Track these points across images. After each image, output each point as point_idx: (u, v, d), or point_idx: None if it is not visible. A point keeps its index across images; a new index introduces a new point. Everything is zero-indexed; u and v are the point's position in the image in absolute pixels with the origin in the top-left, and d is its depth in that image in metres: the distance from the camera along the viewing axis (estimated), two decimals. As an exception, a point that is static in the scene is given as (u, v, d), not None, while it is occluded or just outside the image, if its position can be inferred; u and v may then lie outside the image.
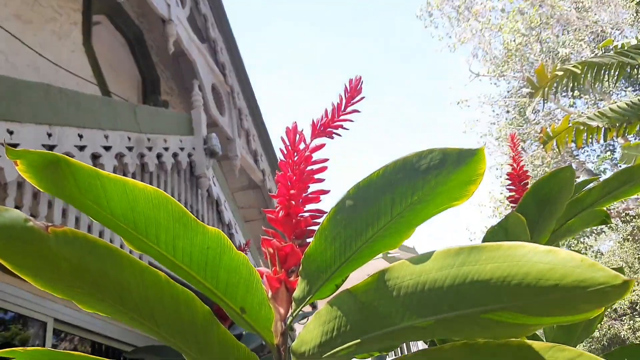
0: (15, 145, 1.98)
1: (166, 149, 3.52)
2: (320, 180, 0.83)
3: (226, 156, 4.91)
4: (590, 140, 5.75)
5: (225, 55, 5.43)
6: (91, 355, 0.74)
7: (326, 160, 0.84)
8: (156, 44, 5.02)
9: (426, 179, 0.58)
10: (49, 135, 2.14)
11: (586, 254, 12.46)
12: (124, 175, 2.86)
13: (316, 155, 0.83)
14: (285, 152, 0.80)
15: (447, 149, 0.58)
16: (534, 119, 14.19)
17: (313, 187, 0.83)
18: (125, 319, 0.71)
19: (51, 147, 2.15)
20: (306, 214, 0.82)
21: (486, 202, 14.14)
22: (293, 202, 0.78)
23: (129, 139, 3.05)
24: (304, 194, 0.80)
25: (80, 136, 2.43)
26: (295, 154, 0.80)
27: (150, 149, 3.30)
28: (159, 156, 3.43)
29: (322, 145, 0.83)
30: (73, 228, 0.63)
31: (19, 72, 3.02)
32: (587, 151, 13.80)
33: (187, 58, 4.67)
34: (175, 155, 3.65)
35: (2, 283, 2.39)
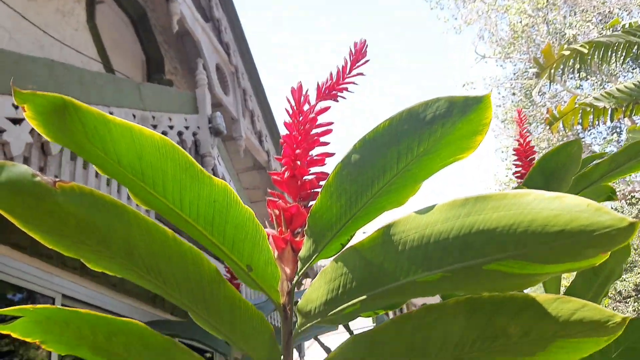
0: (19, 121, 1.99)
1: (171, 127, 3.52)
2: (325, 144, 0.83)
3: (231, 137, 4.91)
4: (596, 121, 5.72)
5: (229, 35, 5.40)
6: (98, 313, 0.75)
7: (331, 123, 0.84)
8: (160, 23, 4.99)
9: (432, 129, 0.57)
10: (54, 110, 2.14)
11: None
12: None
13: (321, 119, 0.83)
14: (291, 112, 0.80)
15: (454, 97, 0.57)
16: (540, 102, 14.11)
17: (318, 150, 0.83)
18: (133, 277, 0.72)
19: (56, 123, 2.15)
20: (311, 177, 0.82)
21: (492, 184, 14.13)
22: (298, 163, 0.78)
23: (134, 116, 3.05)
24: (309, 155, 0.80)
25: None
26: (301, 114, 0.80)
27: (155, 126, 3.30)
28: (163, 134, 3.43)
29: (327, 108, 0.83)
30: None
31: (23, 49, 3.02)
32: (594, 133, 13.73)
33: (191, 37, 4.65)
34: (180, 133, 3.65)
35: (11, 259, 2.41)
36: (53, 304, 2.67)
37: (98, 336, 0.77)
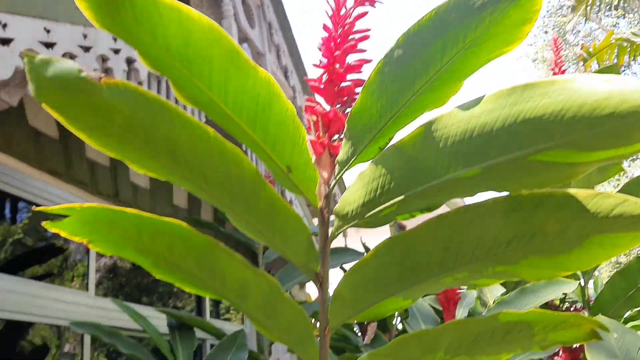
0: (51, 45, 1.99)
1: (197, 59, 3.49)
2: (363, 50, 0.82)
3: (256, 71, 4.87)
4: (633, 58, 5.53)
5: (254, -34, 5.26)
6: (143, 213, 0.77)
7: (368, 29, 0.82)
8: (184, -47, 4.88)
9: (480, 16, 0.56)
10: (85, 36, 2.15)
11: (619, 179, 12.27)
12: (158, 83, 2.87)
13: (358, 25, 0.82)
14: (330, 13, 0.79)
15: (505, -20, 0.56)
16: (574, 41, 13.62)
17: (355, 57, 0.83)
18: (176, 178, 0.73)
19: (87, 49, 2.15)
20: (348, 83, 0.82)
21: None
22: (337, 66, 0.78)
23: (161, 47, 3.03)
24: (347, 59, 0.79)
25: (115, 39, 2.44)
26: (339, 17, 0.79)
27: (182, 58, 3.27)
28: (190, 67, 3.41)
29: (365, 13, 0.82)
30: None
31: (50, -22, 2.99)
32: (628, 74, 13.28)
33: (216, -32, 4.54)
34: (206, 66, 3.62)
35: (47, 184, 2.48)
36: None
37: (143, 236, 0.80)
